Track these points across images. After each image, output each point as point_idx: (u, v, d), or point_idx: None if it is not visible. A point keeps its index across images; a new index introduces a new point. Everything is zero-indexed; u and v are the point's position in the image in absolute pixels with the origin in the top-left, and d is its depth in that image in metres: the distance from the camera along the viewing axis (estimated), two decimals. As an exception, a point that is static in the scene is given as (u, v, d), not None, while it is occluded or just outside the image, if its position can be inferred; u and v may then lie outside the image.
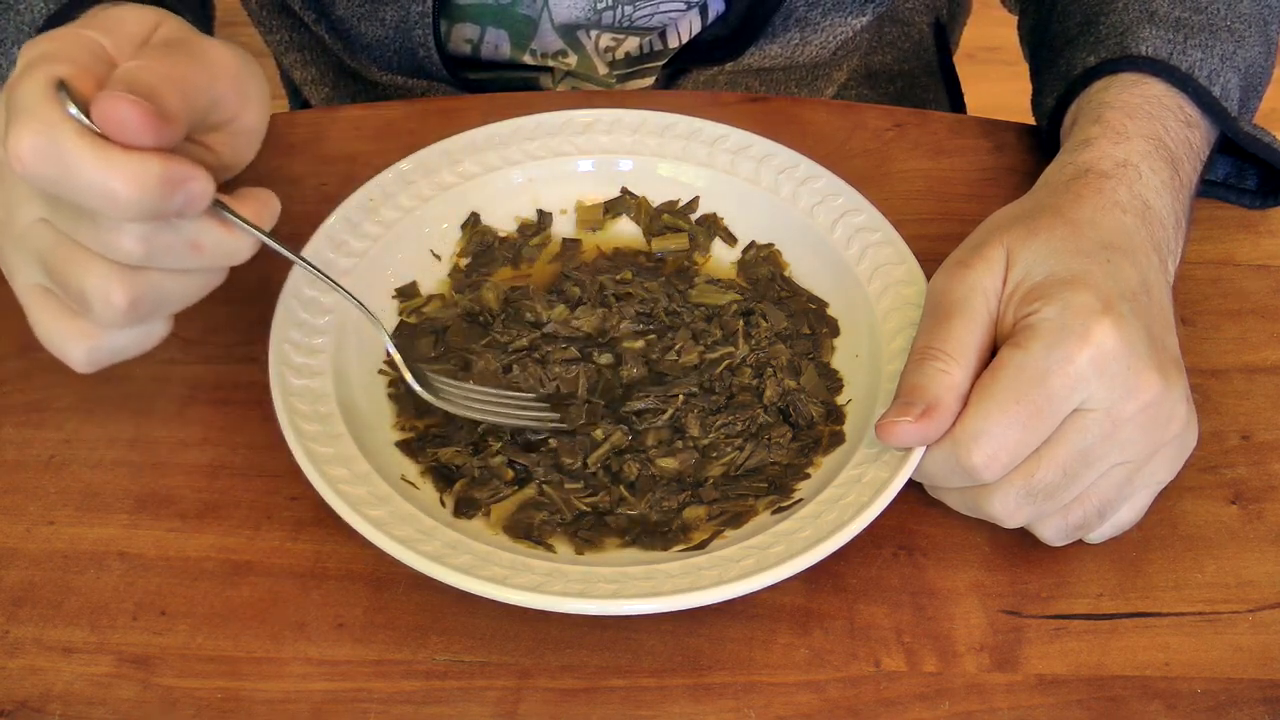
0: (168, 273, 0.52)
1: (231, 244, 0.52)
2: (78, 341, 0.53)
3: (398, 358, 0.58)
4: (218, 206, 0.51)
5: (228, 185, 0.64)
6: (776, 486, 0.58)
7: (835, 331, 0.64)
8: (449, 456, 0.58)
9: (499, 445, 0.59)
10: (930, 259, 0.61)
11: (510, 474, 0.58)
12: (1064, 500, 0.53)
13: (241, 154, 0.58)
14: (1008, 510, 0.54)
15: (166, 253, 0.51)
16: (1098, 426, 0.52)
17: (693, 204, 0.70)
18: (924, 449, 0.55)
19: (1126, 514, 0.56)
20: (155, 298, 0.52)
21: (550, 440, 0.59)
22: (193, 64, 0.52)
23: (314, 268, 0.57)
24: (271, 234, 0.54)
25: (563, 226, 0.70)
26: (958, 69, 1.03)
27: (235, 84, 0.55)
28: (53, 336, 0.54)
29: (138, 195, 0.47)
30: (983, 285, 0.56)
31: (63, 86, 0.48)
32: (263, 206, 0.54)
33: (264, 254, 0.57)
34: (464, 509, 0.57)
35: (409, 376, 0.58)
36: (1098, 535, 0.56)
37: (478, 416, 0.59)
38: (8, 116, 0.49)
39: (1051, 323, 0.53)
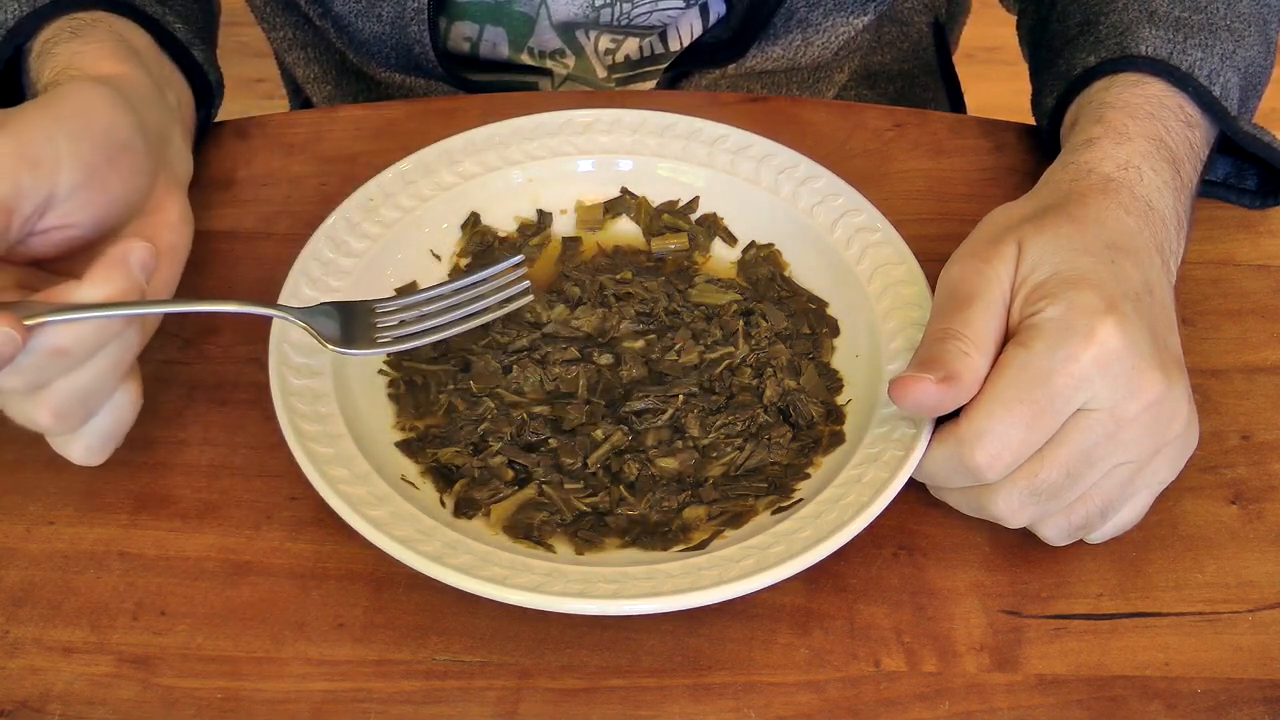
0: (68, 376, 0.52)
1: (91, 332, 0.51)
2: (68, 448, 0.55)
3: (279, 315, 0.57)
4: (54, 316, 0.50)
5: (213, 190, 0.63)
6: (776, 486, 0.58)
7: (835, 331, 0.64)
8: (449, 457, 0.58)
9: (499, 445, 0.59)
10: (930, 259, 0.61)
11: (510, 474, 0.58)
12: (1067, 500, 0.53)
13: (107, 202, 0.56)
14: (1011, 510, 0.53)
15: (42, 372, 0.51)
16: (1101, 426, 0.52)
17: (693, 204, 0.70)
18: (923, 449, 0.55)
19: (1128, 514, 0.55)
20: (76, 399, 0.53)
21: (550, 440, 0.59)
22: None
23: (166, 306, 0.57)
24: (139, 304, 0.52)
25: (563, 226, 0.70)
26: (957, 69, 1.03)
27: (24, 167, 0.53)
28: (58, 448, 0.56)
29: None
30: (999, 276, 0.55)
31: None
32: (122, 272, 0.51)
33: (264, 256, 0.57)
34: (464, 509, 0.57)
35: (301, 324, 0.57)
36: (1099, 535, 0.56)
37: (425, 341, 0.58)
38: None
39: (1055, 322, 0.53)
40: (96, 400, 0.54)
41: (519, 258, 0.62)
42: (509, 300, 0.60)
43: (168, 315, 0.61)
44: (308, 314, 0.58)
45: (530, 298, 0.61)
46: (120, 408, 0.56)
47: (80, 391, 0.53)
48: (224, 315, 0.64)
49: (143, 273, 0.52)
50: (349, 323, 0.58)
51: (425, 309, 0.60)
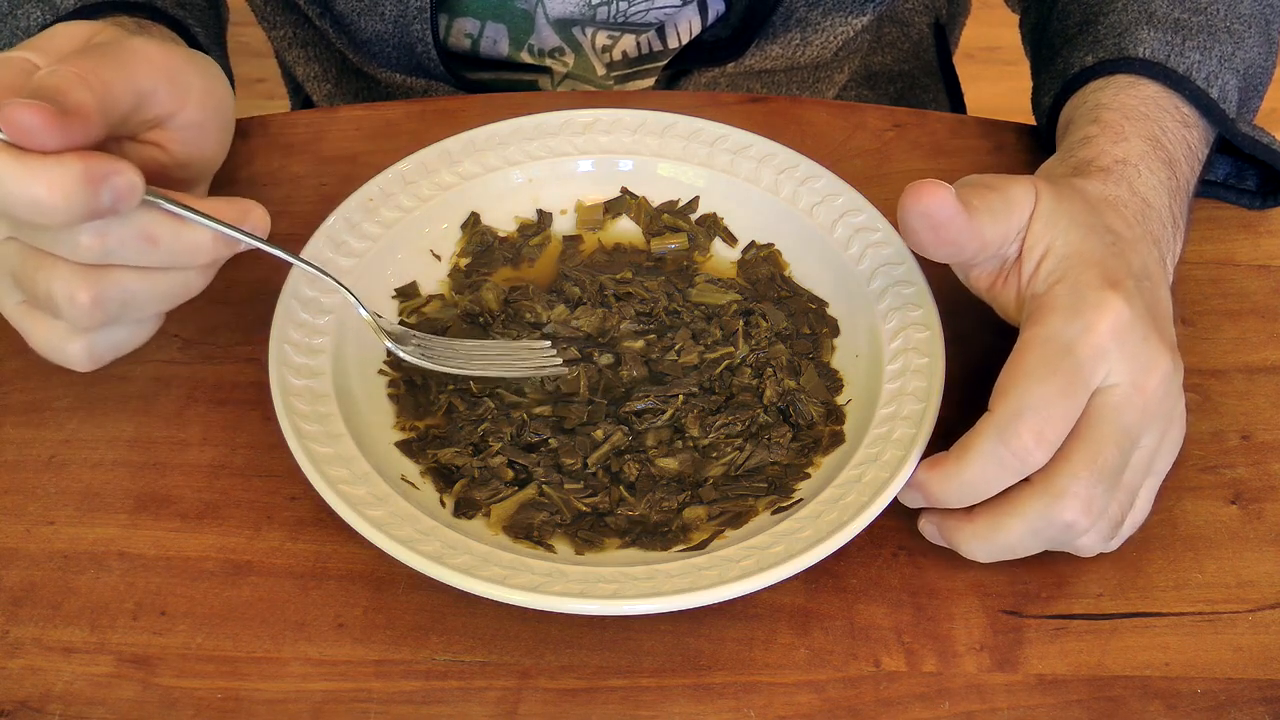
0: (132, 271, 0.53)
1: (188, 238, 0.53)
2: (70, 341, 0.55)
3: (369, 319, 0.59)
4: (170, 202, 0.52)
5: (214, 187, 0.64)
6: (776, 486, 0.58)
7: (835, 331, 0.64)
8: (449, 457, 0.58)
9: (499, 446, 0.59)
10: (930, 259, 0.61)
11: (510, 474, 0.58)
12: (1119, 485, 0.53)
13: (200, 150, 0.59)
14: (1082, 506, 0.51)
15: (122, 248, 0.51)
16: (1129, 401, 0.52)
17: (693, 204, 0.70)
18: (923, 449, 0.55)
19: (1138, 510, 0.55)
20: (121, 296, 0.53)
21: (550, 440, 0.59)
22: (108, 61, 0.52)
23: (273, 248, 0.57)
24: (241, 231, 0.54)
25: (563, 226, 0.70)
26: (957, 69, 1.03)
27: (166, 78, 0.55)
28: (48, 345, 0.55)
29: (62, 198, 0.48)
30: (1020, 194, 0.55)
31: None
32: (242, 213, 0.54)
33: (264, 256, 0.57)
34: (464, 509, 0.57)
35: (388, 343, 0.59)
36: (1117, 539, 0.56)
37: (474, 373, 0.59)
38: None
39: (1065, 298, 0.53)
40: (133, 312, 0.54)
41: (549, 344, 0.63)
42: (541, 367, 0.61)
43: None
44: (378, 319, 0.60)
45: (564, 372, 0.61)
46: (139, 332, 0.56)
47: (129, 292, 0.53)
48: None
49: (253, 229, 0.55)
50: (400, 337, 0.60)
51: (468, 350, 0.61)
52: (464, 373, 0.60)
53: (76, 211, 0.48)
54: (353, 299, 0.60)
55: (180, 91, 0.56)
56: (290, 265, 0.60)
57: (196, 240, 0.53)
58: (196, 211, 0.52)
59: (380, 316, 0.60)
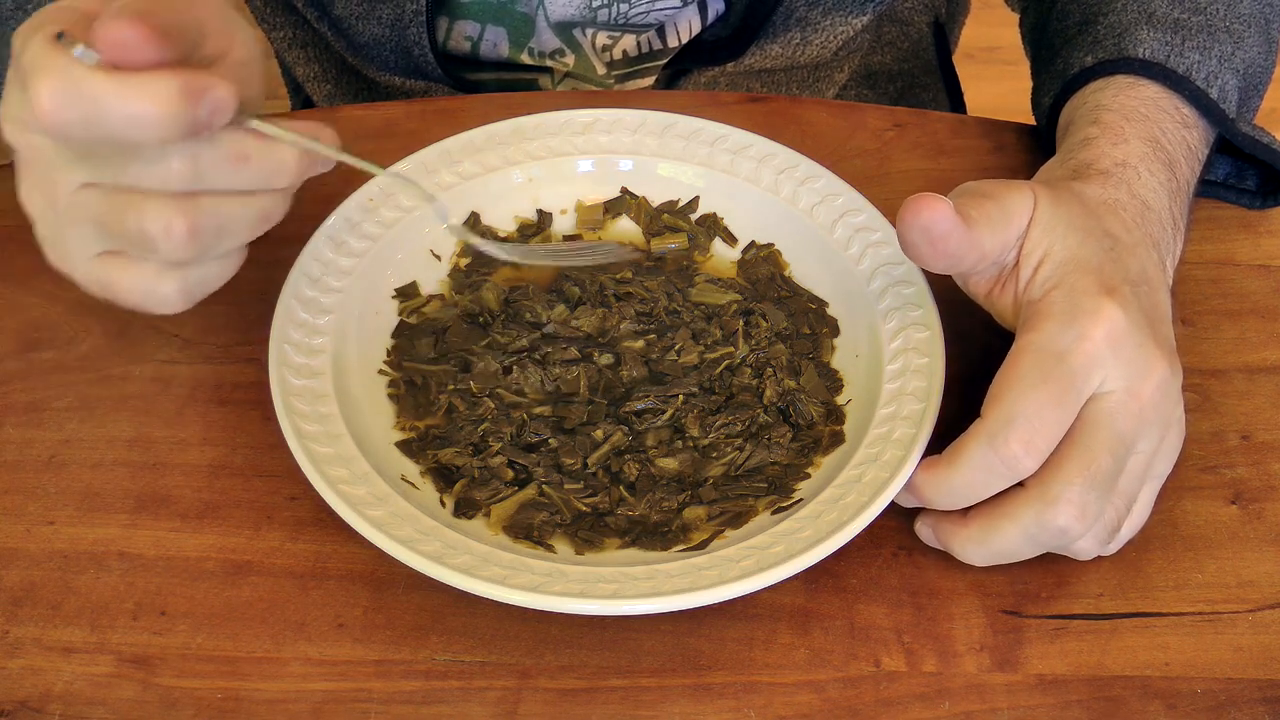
0: (223, 196, 0.52)
1: (276, 155, 0.52)
2: (163, 280, 0.53)
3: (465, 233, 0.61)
4: (254, 120, 0.51)
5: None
6: (776, 486, 0.58)
7: (835, 331, 0.64)
8: (449, 457, 0.58)
9: (499, 446, 0.59)
10: (930, 259, 0.61)
11: (510, 474, 0.58)
12: (1114, 490, 0.53)
13: (247, 91, 0.57)
14: (1076, 512, 0.51)
15: (214, 170, 0.51)
16: (1125, 408, 0.52)
17: (693, 204, 0.70)
18: (923, 448, 0.55)
19: (1137, 514, 0.55)
20: (216, 223, 0.52)
21: (550, 440, 0.59)
22: None
23: (356, 160, 0.56)
24: (329, 145, 0.54)
25: (563, 226, 0.70)
26: (957, 69, 1.03)
27: (218, 14, 0.54)
28: (140, 289, 0.54)
29: (164, 112, 0.47)
30: (1019, 201, 0.55)
31: (62, 35, 0.48)
32: (316, 131, 0.54)
33: (265, 257, 0.57)
34: (464, 509, 0.57)
35: (477, 240, 0.60)
36: (1116, 542, 0.56)
37: (552, 262, 0.61)
38: (23, 83, 0.49)
39: (1060, 305, 0.53)
40: (227, 241, 0.53)
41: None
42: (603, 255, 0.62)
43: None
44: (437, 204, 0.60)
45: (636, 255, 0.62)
46: (227, 265, 0.55)
47: (223, 218, 0.52)
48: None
49: (326, 141, 0.54)
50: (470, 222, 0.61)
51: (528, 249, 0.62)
52: (546, 262, 0.61)
53: (178, 125, 0.48)
54: (441, 211, 0.59)
55: (229, 30, 0.55)
56: (286, 268, 0.60)
57: (283, 158, 0.52)
58: (283, 128, 0.52)
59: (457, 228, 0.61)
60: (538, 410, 0.60)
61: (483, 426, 0.59)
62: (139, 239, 0.51)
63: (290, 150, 0.53)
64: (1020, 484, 0.53)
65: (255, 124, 0.52)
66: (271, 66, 1.10)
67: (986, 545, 0.54)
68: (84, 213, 0.52)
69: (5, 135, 0.52)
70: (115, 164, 0.50)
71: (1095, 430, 0.52)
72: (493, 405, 0.60)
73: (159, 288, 0.53)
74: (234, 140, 0.51)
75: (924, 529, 0.56)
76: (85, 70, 0.47)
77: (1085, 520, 0.52)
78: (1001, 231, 0.54)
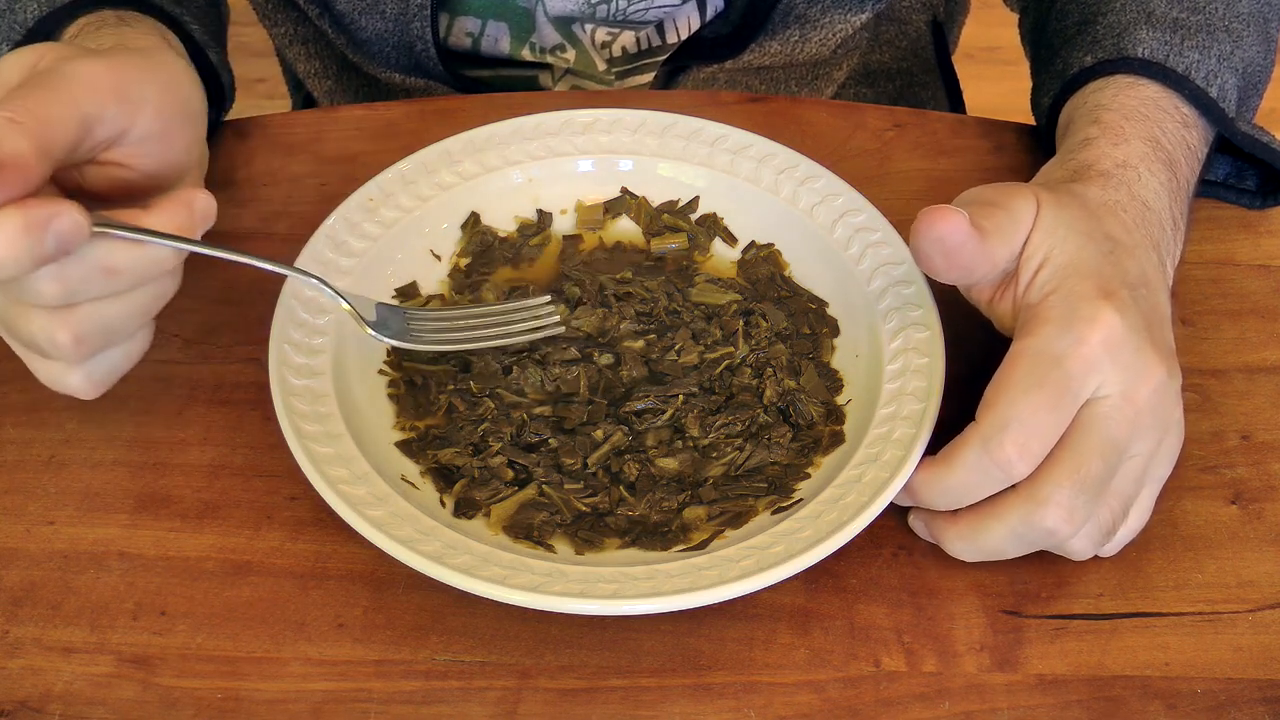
0: (101, 301, 0.52)
1: (145, 257, 0.52)
2: (68, 375, 0.55)
3: (347, 306, 0.59)
4: (117, 229, 0.51)
5: (213, 189, 0.64)
6: (776, 486, 0.58)
7: (835, 331, 0.64)
8: (449, 457, 0.58)
9: (499, 446, 0.59)
10: (930, 259, 0.61)
11: (510, 474, 0.58)
12: (1105, 495, 0.53)
13: (167, 158, 0.58)
14: (1064, 515, 0.52)
15: (84, 285, 0.51)
16: (1119, 412, 0.52)
17: (693, 204, 0.70)
18: (923, 448, 0.55)
19: (1136, 516, 0.55)
20: (100, 327, 0.53)
21: (550, 440, 0.59)
22: (45, 96, 0.51)
23: (226, 251, 0.56)
24: (199, 237, 0.53)
25: (563, 226, 0.70)
26: (957, 69, 1.03)
27: (113, 96, 0.54)
28: (50, 381, 0.56)
29: (7, 252, 0.47)
30: (1024, 206, 0.55)
31: None
32: (186, 211, 0.53)
33: (264, 256, 0.57)
34: (464, 509, 0.57)
35: (368, 329, 0.59)
36: (1114, 544, 0.56)
37: (464, 347, 0.59)
38: None
39: (1058, 309, 0.53)
40: (117, 336, 0.54)
41: (548, 298, 0.63)
42: (538, 330, 0.61)
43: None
44: (352, 298, 0.59)
45: (561, 330, 0.61)
46: (133, 347, 0.56)
47: (107, 320, 0.53)
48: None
49: (203, 221, 0.53)
50: (385, 317, 0.60)
51: (457, 321, 0.60)
52: (454, 348, 0.59)
53: (25, 262, 0.48)
54: (321, 284, 0.59)
55: (131, 106, 0.55)
56: (295, 255, 0.60)
57: (156, 255, 0.52)
58: (149, 232, 0.51)
59: (359, 299, 0.60)
60: (538, 410, 0.60)
61: (482, 427, 0.59)
62: (31, 346, 0.53)
63: (162, 250, 0.52)
64: (1013, 484, 0.53)
65: (120, 232, 0.51)
66: (271, 67, 1.10)
67: (975, 543, 0.54)
68: None
69: None
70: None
71: (1088, 434, 0.52)
72: (493, 405, 0.60)
73: (66, 381, 0.55)
74: (101, 253, 0.51)
75: (917, 523, 0.57)
76: None
77: (1073, 523, 0.52)
78: (1011, 240, 0.55)
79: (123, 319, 0.54)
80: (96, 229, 0.50)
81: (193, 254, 0.57)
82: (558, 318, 0.60)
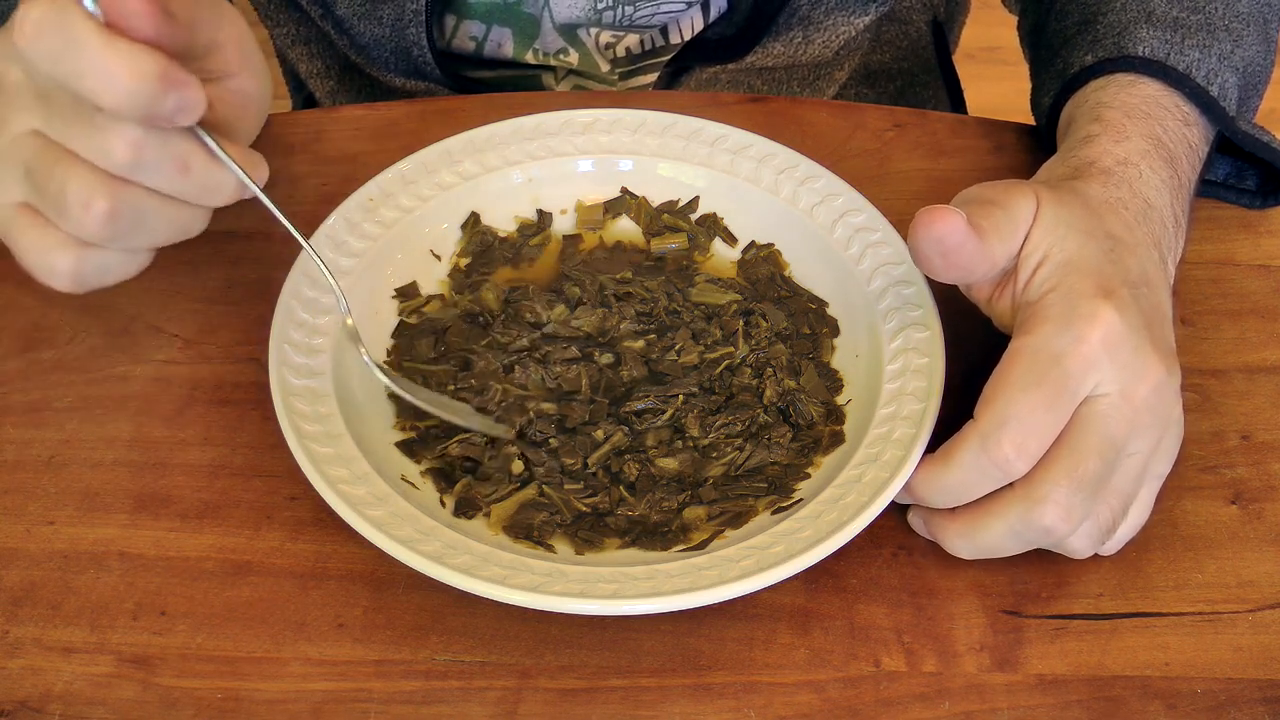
0: (151, 194, 0.52)
1: (217, 176, 0.52)
2: (62, 252, 0.53)
3: (368, 358, 0.59)
4: (210, 138, 0.52)
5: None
6: (776, 486, 0.58)
7: (835, 331, 0.64)
8: (458, 449, 0.58)
9: (512, 433, 0.59)
10: (930, 259, 0.61)
11: (520, 466, 0.58)
12: (1102, 493, 0.53)
13: (241, 121, 0.58)
14: (1062, 514, 0.52)
15: (155, 166, 0.51)
16: (1118, 410, 0.52)
17: (693, 204, 0.70)
18: (923, 448, 0.55)
19: (1136, 514, 0.55)
20: (134, 216, 0.52)
21: (551, 440, 0.59)
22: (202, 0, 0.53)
23: (289, 224, 0.57)
24: (261, 188, 0.54)
25: (563, 226, 0.70)
26: (958, 69, 1.03)
27: (239, 38, 0.55)
28: (35, 253, 0.53)
29: (134, 85, 0.47)
30: (1023, 204, 0.55)
31: None
32: (254, 165, 0.54)
33: (264, 256, 0.57)
34: (464, 509, 0.57)
35: (379, 374, 0.59)
36: (1114, 543, 0.56)
37: (436, 412, 0.59)
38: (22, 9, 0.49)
39: (1057, 307, 0.53)
40: (138, 238, 0.53)
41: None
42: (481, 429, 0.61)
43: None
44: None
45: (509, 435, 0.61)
46: (130, 263, 0.55)
47: (143, 213, 0.52)
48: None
49: (261, 178, 0.54)
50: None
51: (430, 399, 0.61)
52: (423, 405, 0.59)
53: (142, 103, 0.48)
54: (344, 304, 0.59)
55: (243, 58, 0.56)
56: (286, 268, 0.60)
57: (222, 181, 0.53)
58: (231, 157, 0.53)
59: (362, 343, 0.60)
60: (543, 406, 0.60)
61: (495, 414, 0.59)
62: (56, 201, 0.51)
63: (231, 177, 0.53)
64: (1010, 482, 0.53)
65: (209, 140, 0.52)
66: (272, 64, 1.09)
67: (973, 541, 0.55)
68: (19, 155, 0.51)
69: None
70: (67, 119, 0.50)
71: (1086, 433, 0.52)
72: (500, 389, 0.60)
73: (54, 259, 0.53)
74: (184, 148, 0.51)
75: (916, 520, 0.57)
76: (80, 13, 0.47)
77: (1071, 521, 0.52)
78: (1010, 239, 0.55)
79: (155, 222, 0.53)
80: (195, 126, 0.51)
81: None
82: (502, 429, 0.60)
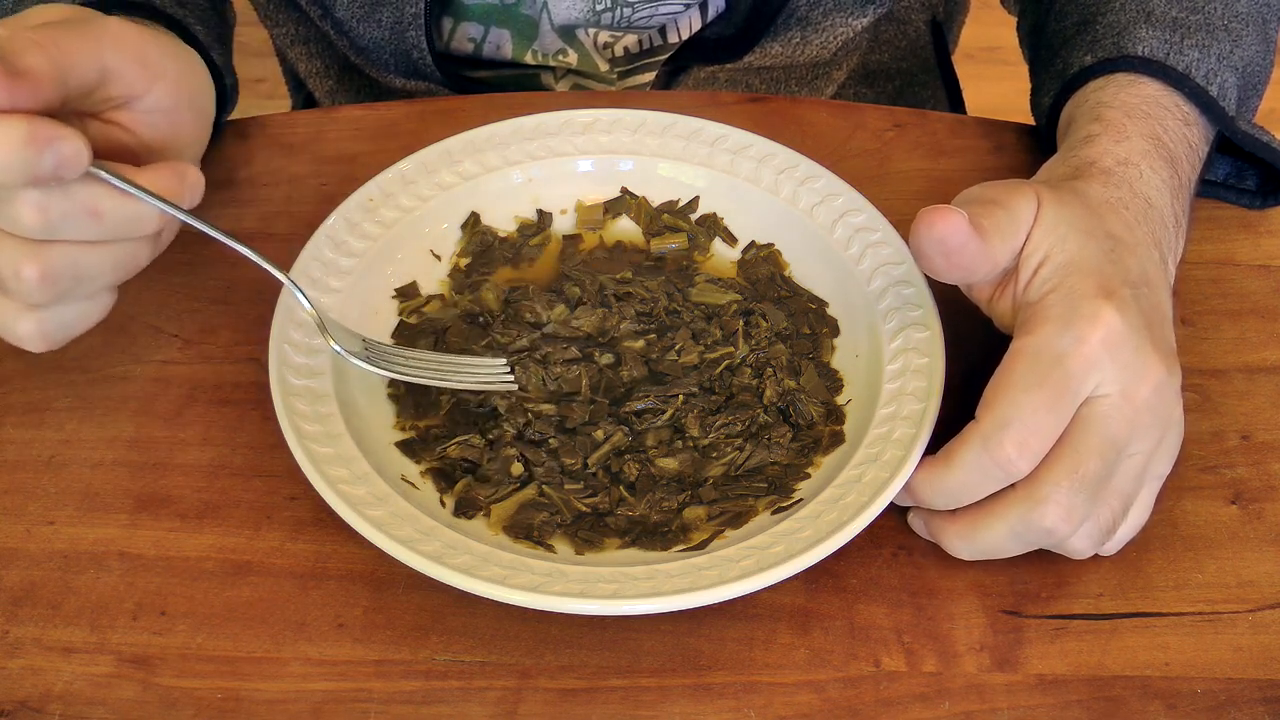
0: (78, 245, 0.52)
1: (130, 210, 0.52)
2: (21, 319, 0.53)
3: (310, 313, 0.58)
4: (110, 174, 0.51)
5: (213, 188, 0.64)
6: (776, 486, 0.58)
7: (835, 331, 0.64)
8: (457, 451, 0.58)
9: (511, 434, 0.59)
10: (930, 259, 0.61)
11: (520, 468, 0.58)
12: (1103, 493, 0.53)
13: (171, 136, 0.58)
14: (1063, 514, 0.52)
15: (66, 221, 0.51)
16: (1118, 411, 0.52)
17: (693, 204, 0.70)
18: (923, 447, 0.55)
19: (1136, 514, 0.55)
20: (70, 271, 0.52)
21: (551, 440, 0.59)
22: (73, 34, 0.52)
23: (205, 225, 0.56)
24: (187, 209, 0.54)
25: (563, 226, 0.70)
26: (957, 69, 1.03)
27: (136, 58, 0.55)
28: (1, 323, 0.54)
29: (3, 157, 0.47)
30: (1024, 204, 0.55)
31: None
32: (177, 180, 0.53)
33: (264, 255, 0.57)
34: (464, 509, 0.57)
35: (331, 341, 0.58)
36: (1114, 543, 0.56)
37: (424, 381, 0.59)
38: None
39: (1058, 308, 0.53)
40: (83, 287, 0.53)
41: (504, 362, 0.62)
42: (490, 384, 0.61)
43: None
44: (320, 312, 0.58)
45: (514, 386, 0.61)
46: (91, 309, 0.55)
47: (78, 266, 0.52)
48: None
49: (191, 194, 0.54)
50: (350, 337, 0.59)
51: (420, 359, 0.60)
52: (407, 378, 0.59)
53: (18, 173, 0.48)
54: (298, 293, 0.58)
55: (150, 74, 0.56)
56: (286, 268, 0.60)
57: (141, 212, 0.52)
58: (139, 187, 0.52)
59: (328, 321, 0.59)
60: (542, 407, 0.60)
61: (494, 418, 0.59)
62: None
63: (146, 208, 0.52)
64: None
65: (112, 179, 0.51)
66: (271, 66, 1.10)
67: (974, 542, 0.55)
68: None
69: None
70: None
71: (1087, 433, 0.52)
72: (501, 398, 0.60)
73: (16, 326, 0.54)
74: (89, 194, 0.51)
75: (916, 521, 0.57)
76: None
77: (1071, 521, 0.52)
78: (1011, 239, 0.55)
79: (93, 269, 0.53)
80: (92, 169, 0.50)
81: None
82: (511, 377, 0.60)
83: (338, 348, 0.58)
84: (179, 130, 0.59)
